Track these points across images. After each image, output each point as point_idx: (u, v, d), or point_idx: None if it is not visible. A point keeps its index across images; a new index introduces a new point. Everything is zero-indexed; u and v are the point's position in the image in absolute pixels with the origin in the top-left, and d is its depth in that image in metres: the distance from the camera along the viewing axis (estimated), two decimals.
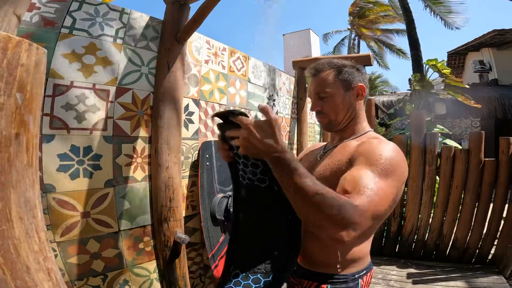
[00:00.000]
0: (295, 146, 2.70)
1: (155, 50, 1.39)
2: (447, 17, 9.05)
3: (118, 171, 1.24)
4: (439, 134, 2.77)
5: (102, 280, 1.20)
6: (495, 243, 2.41)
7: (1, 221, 0.38)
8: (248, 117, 0.62)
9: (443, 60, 3.91)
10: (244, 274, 0.75)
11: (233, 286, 0.74)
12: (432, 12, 9.16)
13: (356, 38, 16.50)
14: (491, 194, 2.37)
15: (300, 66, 2.77)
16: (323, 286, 0.82)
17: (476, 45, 8.36)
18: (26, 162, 0.42)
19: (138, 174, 1.31)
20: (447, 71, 3.87)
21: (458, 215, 2.47)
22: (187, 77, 1.54)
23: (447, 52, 9.51)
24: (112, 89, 1.24)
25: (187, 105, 1.56)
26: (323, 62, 0.90)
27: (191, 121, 1.58)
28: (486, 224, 2.39)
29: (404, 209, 2.67)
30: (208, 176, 1.57)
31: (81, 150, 1.14)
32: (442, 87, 6.70)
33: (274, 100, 2.33)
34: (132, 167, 1.29)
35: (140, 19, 1.35)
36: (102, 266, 1.19)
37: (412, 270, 2.39)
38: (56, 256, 1.08)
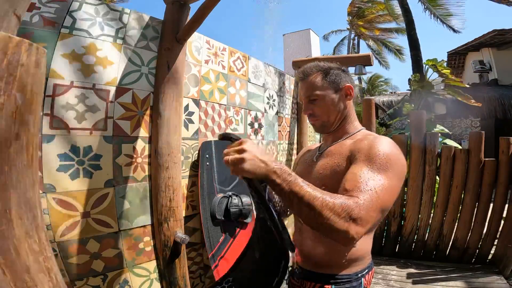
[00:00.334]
0: (295, 146, 2.70)
1: (155, 50, 1.39)
2: (446, 20, 9.04)
3: (118, 171, 1.24)
4: (439, 134, 2.77)
5: (102, 280, 1.20)
6: (495, 243, 2.41)
7: (1, 221, 0.38)
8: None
9: (442, 60, 3.91)
10: None
11: None
12: (432, 15, 9.16)
13: (356, 38, 16.51)
14: (491, 194, 2.37)
15: (300, 66, 2.77)
16: (326, 286, 0.82)
17: (476, 45, 8.36)
18: (26, 162, 0.42)
19: (138, 174, 1.31)
20: (447, 71, 3.87)
21: (458, 215, 2.47)
22: (187, 77, 1.54)
23: (447, 52, 9.50)
24: (112, 89, 1.24)
25: (187, 105, 1.56)
26: (310, 66, 0.92)
27: (191, 121, 1.58)
28: (486, 224, 2.39)
29: (404, 209, 2.67)
30: (208, 176, 1.57)
31: (81, 150, 1.14)
32: (442, 87, 6.69)
33: (274, 100, 2.33)
34: (132, 167, 1.29)
35: (140, 19, 1.35)
36: (102, 266, 1.19)
37: (412, 270, 2.39)
38: (56, 256, 1.08)
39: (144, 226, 1.33)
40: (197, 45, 1.62)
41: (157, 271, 1.37)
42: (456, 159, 2.43)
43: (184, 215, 1.49)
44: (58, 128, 1.09)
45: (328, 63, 0.93)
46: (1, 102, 0.38)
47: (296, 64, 2.78)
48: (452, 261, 2.50)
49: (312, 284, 0.84)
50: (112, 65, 1.24)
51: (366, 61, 2.75)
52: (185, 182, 1.53)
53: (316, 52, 15.49)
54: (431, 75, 4.23)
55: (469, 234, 2.45)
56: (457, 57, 9.89)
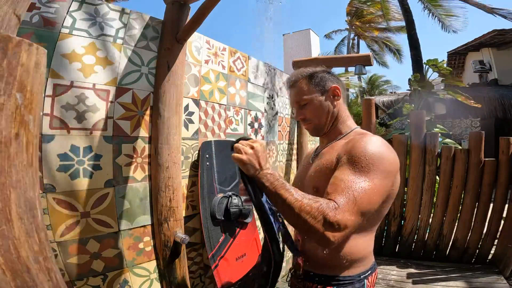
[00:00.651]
0: (295, 146, 2.70)
1: (155, 50, 1.39)
2: (445, 19, 9.05)
3: (118, 171, 1.24)
4: (439, 134, 2.77)
5: (102, 280, 1.20)
6: (495, 243, 2.41)
7: (1, 221, 0.38)
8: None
9: (443, 60, 3.91)
10: None
11: None
12: (431, 14, 9.16)
13: (356, 37, 16.50)
14: (491, 194, 2.37)
15: (300, 66, 2.77)
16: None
17: (476, 45, 8.36)
18: (26, 162, 0.42)
19: (138, 174, 1.31)
20: (447, 71, 3.87)
21: (458, 215, 2.47)
22: (187, 77, 1.54)
23: (447, 52, 9.50)
24: (112, 89, 1.24)
25: (187, 105, 1.56)
26: (296, 73, 0.95)
27: (191, 121, 1.58)
28: (486, 224, 2.39)
29: (404, 209, 2.67)
30: (208, 176, 1.57)
31: (81, 150, 1.14)
32: (442, 87, 6.70)
33: (274, 100, 2.33)
34: (132, 167, 1.29)
35: (140, 19, 1.35)
36: (102, 266, 1.19)
37: (412, 270, 2.39)
38: (56, 256, 1.08)
39: (144, 226, 1.33)
40: (197, 45, 1.63)
41: (157, 271, 1.37)
42: (456, 159, 2.43)
43: (184, 215, 1.49)
44: (58, 128, 1.09)
45: (313, 68, 0.94)
46: (1, 102, 0.38)
47: (296, 64, 2.78)
48: (452, 261, 2.51)
49: (314, 285, 0.83)
50: (112, 65, 1.24)
51: (366, 61, 2.75)
52: (185, 182, 1.53)
53: (316, 52, 15.50)
54: (431, 75, 4.24)
55: (469, 234, 2.45)
56: (457, 57, 9.89)
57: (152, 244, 1.35)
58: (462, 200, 2.45)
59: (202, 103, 1.65)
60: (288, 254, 1.94)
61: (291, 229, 0.85)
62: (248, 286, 0.94)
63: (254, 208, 0.77)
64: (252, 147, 0.73)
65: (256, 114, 2.10)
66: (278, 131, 2.40)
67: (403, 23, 9.29)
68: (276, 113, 2.36)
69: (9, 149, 0.39)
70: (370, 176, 0.68)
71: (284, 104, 2.49)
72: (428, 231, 2.61)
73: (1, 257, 0.37)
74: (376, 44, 16.23)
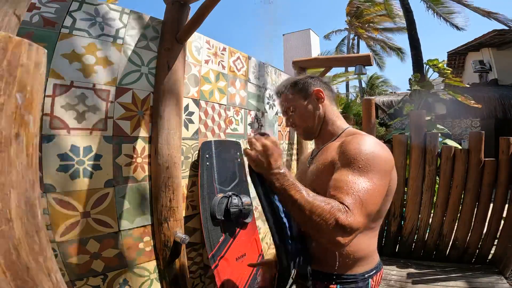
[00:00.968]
0: (295, 146, 2.70)
1: (155, 50, 1.39)
2: (449, 18, 9.07)
3: (118, 171, 1.24)
4: (439, 134, 2.77)
5: (102, 280, 1.20)
6: (495, 243, 2.41)
7: (1, 221, 0.38)
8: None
9: (443, 60, 3.91)
10: None
11: None
12: (435, 14, 9.17)
13: (356, 38, 16.51)
14: (491, 194, 2.37)
15: (300, 66, 2.77)
16: (332, 286, 0.82)
17: (476, 45, 8.36)
18: (26, 162, 0.42)
19: (138, 174, 1.31)
20: (447, 71, 3.87)
21: (458, 215, 2.47)
22: (187, 77, 1.54)
23: (447, 52, 9.50)
24: (112, 89, 1.24)
25: (187, 105, 1.56)
26: (281, 84, 0.99)
27: (191, 121, 1.58)
28: (486, 224, 2.39)
29: (404, 209, 2.67)
30: (208, 176, 1.57)
31: (81, 150, 1.14)
32: (442, 87, 6.70)
33: (274, 100, 2.33)
34: (132, 167, 1.29)
35: (140, 19, 1.35)
36: (102, 266, 1.19)
37: (412, 270, 2.39)
38: (56, 256, 1.08)
39: (144, 226, 1.33)
40: (197, 45, 1.62)
41: (157, 271, 1.37)
42: (456, 159, 2.43)
43: (184, 215, 1.49)
44: (58, 128, 1.09)
45: (296, 77, 0.99)
46: (1, 102, 0.38)
47: (296, 64, 2.78)
48: (452, 261, 2.50)
49: (318, 283, 0.84)
50: (112, 65, 1.24)
51: (366, 61, 2.75)
52: (185, 182, 1.53)
53: (316, 52, 15.50)
54: (431, 75, 4.23)
55: (469, 234, 2.45)
56: (457, 57, 9.88)
57: (152, 244, 1.35)
58: (462, 200, 2.45)
59: (202, 103, 1.65)
60: None
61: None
62: None
63: (262, 208, 0.74)
64: (263, 144, 0.69)
65: (256, 114, 2.10)
66: (278, 131, 2.40)
67: (403, 24, 9.30)
68: (276, 113, 2.36)
69: (9, 149, 0.39)
70: (369, 176, 0.69)
71: None
72: (428, 231, 2.61)
73: (1, 257, 0.37)
74: (376, 44, 16.23)
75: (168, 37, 1.37)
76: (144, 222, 1.33)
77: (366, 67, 3.71)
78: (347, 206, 0.62)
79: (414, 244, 2.66)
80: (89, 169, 1.16)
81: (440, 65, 3.82)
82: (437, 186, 2.57)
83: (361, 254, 0.83)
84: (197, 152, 1.61)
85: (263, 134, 0.73)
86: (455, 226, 2.49)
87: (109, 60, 1.23)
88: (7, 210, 0.39)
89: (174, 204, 1.35)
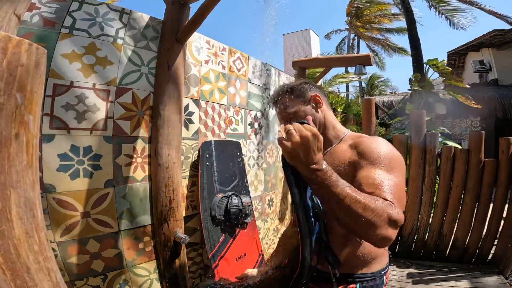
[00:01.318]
0: None
1: (155, 50, 1.39)
2: (453, 17, 9.05)
3: (118, 171, 1.24)
4: (439, 134, 2.77)
5: (102, 280, 1.20)
6: (495, 243, 2.41)
7: (1, 221, 0.38)
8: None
9: (443, 60, 3.91)
10: None
11: None
12: (437, 12, 9.15)
13: (356, 38, 16.51)
14: (491, 194, 2.36)
15: (300, 66, 2.77)
16: (352, 286, 0.83)
17: (476, 45, 8.36)
18: (26, 162, 0.42)
19: (138, 174, 1.31)
20: (447, 70, 3.87)
21: (458, 215, 2.47)
22: (187, 77, 1.54)
23: (447, 52, 9.50)
24: (112, 89, 1.24)
25: (187, 105, 1.56)
26: (276, 91, 0.98)
27: (191, 121, 1.58)
28: (486, 224, 2.39)
29: (404, 209, 2.67)
30: (208, 176, 1.57)
31: (81, 150, 1.14)
32: (442, 87, 6.70)
33: None
34: (132, 167, 1.29)
35: (140, 19, 1.35)
36: (102, 266, 1.19)
37: (412, 270, 2.39)
38: (56, 256, 1.08)
39: (144, 226, 1.33)
40: (197, 45, 1.62)
41: (157, 271, 1.37)
42: (456, 159, 2.43)
43: (184, 215, 1.49)
44: (58, 128, 1.09)
45: (291, 83, 0.98)
46: (1, 102, 0.38)
47: (296, 64, 2.78)
48: (452, 261, 2.50)
49: (338, 283, 0.84)
50: (112, 65, 1.24)
51: (366, 61, 2.75)
52: (185, 182, 1.53)
53: (316, 52, 15.51)
54: (432, 75, 4.24)
55: (469, 234, 2.44)
56: (457, 57, 9.88)
57: (152, 244, 1.35)
58: (462, 200, 2.45)
59: (202, 103, 1.65)
60: None
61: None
62: (265, 286, 0.90)
63: (294, 205, 0.68)
64: (301, 135, 0.61)
65: (256, 114, 2.10)
66: (278, 131, 2.40)
67: (404, 24, 9.30)
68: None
69: (9, 149, 0.39)
70: (395, 174, 0.72)
71: None
72: (428, 231, 2.61)
73: (1, 257, 0.37)
74: (376, 44, 16.23)
75: (168, 37, 1.37)
76: (144, 222, 1.33)
77: (366, 67, 3.71)
78: (391, 201, 0.63)
79: (414, 244, 2.66)
80: (89, 169, 1.16)
81: (439, 64, 3.82)
82: (437, 186, 2.57)
83: (379, 252, 0.86)
84: (197, 152, 1.61)
85: (302, 123, 0.64)
86: (455, 226, 2.49)
87: (109, 60, 1.23)
88: (7, 210, 0.39)
89: (174, 204, 1.35)
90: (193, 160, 1.58)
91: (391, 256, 0.94)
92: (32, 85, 0.43)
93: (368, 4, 14.23)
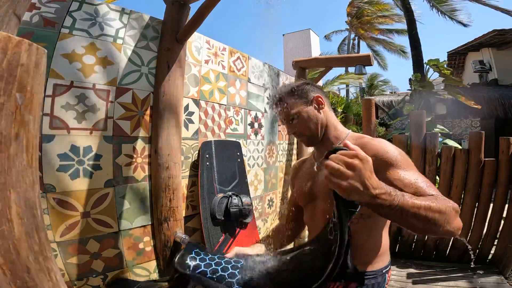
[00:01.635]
0: (295, 146, 2.70)
1: (155, 50, 1.39)
2: (454, 15, 9.08)
3: (118, 171, 1.24)
4: (439, 134, 2.77)
5: (102, 280, 1.20)
6: (495, 243, 2.41)
7: (1, 221, 0.38)
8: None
9: (444, 61, 3.91)
10: None
11: None
12: (439, 12, 9.17)
13: (356, 38, 16.51)
14: (491, 194, 2.36)
15: (300, 66, 2.77)
16: (352, 284, 0.83)
17: (476, 45, 8.36)
18: (26, 162, 0.42)
19: (138, 174, 1.31)
20: (447, 71, 3.88)
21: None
22: (187, 77, 1.54)
23: (447, 52, 9.50)
24: (112, 89, 1.24)
25: (187, 105, 1.56)
26: (278, 91, 0.98)
27: (191, 121, 1.58)
28: (486, 224, 2.39)
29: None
30: (208, 176, 1.57)
31: (81, 150, 1.14)
32: (442, 87, 6.71)
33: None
34: (132, 167, 1.29)
35: (140, 19, 1.35)
36: (102, 266, 1.19)
37: (412, 270, 2.39)
38: (56, 256, 1.08)
39: (144, 226, 1.33)
40: (197, 45, 1.62)
41: (157, 271, 1.37)
42: (456, 159, 2.43)
43: (184, 215, 1.49)
44: (58, 128, 1.09)
45: (293, 83, 0.99)
46: (1, 102, 0.38)
47: (296, 64, 2.78)
48: (452, 261, 2.50)
49: (337, 284, 0.84)
50: (112, 65, 1.24)
51: (366, 61, 2.74)
52: (185, 182, 1.53)
53: (316, 52, 15.50)
54: (432, 75, 4.24)
55: (469, 234, 2.44)
56: (457, 57, 9.89)
57: (152, 244, 1.35)
58: (462, 200, 2.45)
59: (202, 103, 1.65)
60: None
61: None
62: (300, 261, 0.84)
63: (337, 229, 0.64)
64: (353, 166, 0.54)
65: (256, 114, 2.10)
66: (278, 131, 2.40)
67: (404, 25, 9.31)
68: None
69: (9, 149, 0.39)
70: (414, 169, 0.77)
71: None
72: None
73: (1, 257, 0.37)
74: (377, 44, 16.23)
75: (168, 37, 1.37)
76: (144, 222, 1.33)
77: (366, 67, 3.71)
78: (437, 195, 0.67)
79: (414, 244, 2.66)
80: (89, 169, 1.16)
81: (440, 65, 3.82)
82: (437, 186, 2.57)
83: (383, 250, 0.87)
84: (197, 152, 1.61)
85: (336, 150, 0.57)
86: None
87: (109, 60, 1.23)
88: (7, 210, 0.39)
89: (174, 204, 1.35)
90: (193, 160, 1.58)
91: None
92: (32, 85, 0.43)
93: (369, 4, 14.23)
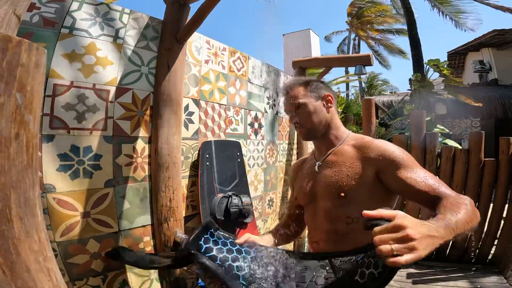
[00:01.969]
0: (295, 146, 2.70)
1: (155, 50, 1.39)
2: (457, 17, 8.94)
3: (118, 171, 1.24)
4: (439, 134, 2.77)
5: (102, 280, 1.20)
6: (495, 243, 2.41)
7: (1, 221, 0.38)
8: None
9: (445, 61, 3.91)
10: None
11: None
12: (441, 13, 9.06)
13: (356, 38, 16.51)
14: (491, 194, 2.36)
15: (300, 66, 2.77)
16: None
17: (476, 45, 8.36)
18: (26, 162, 0.42)
19: (138, 174, 1.31)
20: (447, 71, 3.88)
21: None
22: (187, 77, 1.54)
23: (447, 52, 9.50)
24: (112, 89, 1.24)
25: (187, 105, 1.56)
26: (292, 80, 1.01)
27: (191, 121, 1.58)
28: (486, 224, 2.39)
29: (404, 209, 2.67)
30: (208, 176, 1.57)
31: (81, 150, 1.14)
32: (442, 87, 6.70)
33: (274, 100, 2.33)
34: (132, 167, 1.29)
35: (140, 19, 1.35)
36: (102, 266, 1.19)
37: (412, 270, 2.39)
38: (56, 256, 1.08)
39: (144, 226, 1.33)
40: (197, 45, 1.63)
41: (157, 271, 1.37)
42: (456, 159, 2.43)
43: (184, 215, 1.49)
44: (58, 128, 1.09)
45: (308, 77, 1.03)
46: (1, 102, 0.38)
47: (296, 64, 2.78)
48: (452, 261, 2.50)
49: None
50: (112, 65, 1.24)
51: (366, 61, 2.74)
52: (185, 182, 1.53)
53: (316, 52, 15.49)
54: (432, 75, 4.24)
55: (469, 234, 2.44)
56: (457, 57, 9.89)
57: (152, 244, 1.35)
58: None
59: (202, 103, 1.65)
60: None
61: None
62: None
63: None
64: (410, 237, 0.48)
65: (256, 114, 2.10)
66: (278, 131, 2.40)
67: (405, 26, 9.27)
68: (276, 113, 2.37)
69: (9, 149, 0.39)
70: (419, 167, 0.82)
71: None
72: None
73: (1, 257, 0.37)
74: (377, 44, 16.23)
75: (168, 37, 1.37)
76: (144, 222, 1.33)
77: (366, 67, 3.71)
78: (454, 194, 0.73)
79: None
80: (89, 169, 1.16)
81: (441, 65, 3.82)
82: None
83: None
84: (197, 152, 1.61)
85: (373, 226, 0.51)
86: None
87: (109, 60, 1.23)
88: (7, 210, 0.39)
89: (174, 204, 1.35)
90: (193, 160, 1.58)
91: None
92: (32, 85, 0.43)
93: (370, 5, 14.22)
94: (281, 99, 2.46)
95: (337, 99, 1.03)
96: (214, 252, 0.88)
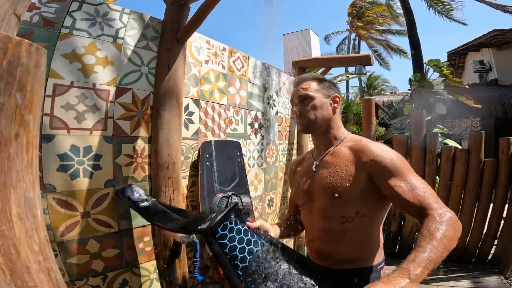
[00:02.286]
0: (295, 146, 2.70)
1: (155, 50, 1.39)
2: (450, 15, 9.10)
3: (118, 171, 1.24)
4: (439, 134, 2.77)
5: (102, 280, 1.20)
6: (495, 243, 2.41)
7: (1, 221, 0.38)
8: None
9: (445, 61, 3.92)
10: None
11: None
12: (436, 12, 9.16)
13: (357, 38, 16.51)
14: (491, 194, 2.37)
15: (300, 66, 2.77)
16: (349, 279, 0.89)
17: (476, 45, 8.36)
18: (26, 162, 0.42)
19: (138, 174, 1.31)
20: (447, 71, 3.88)
21: (458, 215, 2.47)
22: (187, 77, 1.54)
23: (447, 52, 9.51)
24: (112, 89, 1.24)
25: (187, 105, 1.56)
26: (307, 74, 1.05)
27: (191, 121, 1.58)
28: (486, 224, 2.39)
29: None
30: (208, 176, 1.57)
31: (81, 150, 1.14)
32: (442, 87, 6.71)
33: (274, 100, 2.33)
34: (132, 167, 1.29)
35: (140, 19, 1.35)
36: (102, 266, 1.19)
37: None
38: (56, 256, 1.08)
39: (144, 226, 1.33)
40: (197, 45, 1.62)
41: (157, 271, 1.37)
42: (456, 159, 2.43)
43: None
44: (58, 128, 1.09)
45: (323, 76, 1.06)
46: (1, 102, 0.38)
47: (296, 64, 2.78)
48: (452, 261, 2.50)
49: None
50: (112, 65, 1.24)
51: (366, 61, 2.75)
52: (185, 182, 1.53)
53: (316, 52, 15.50)
54: (432, 75, 4.24)
55: (469, 234, 2.45)
56: (457, 57, 9.89)
57: (152, 244, 1.35)
58: (462, 200, 2.45)
59: (202, 103, 1.65)
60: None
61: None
62: None
63: None
64: None
65: (256, 114, 2.10)
66: (278, 131, 2.40)
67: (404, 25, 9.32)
68: (276, 113, 2.36)
69: (9, 149, 0.39)
70: (413, 173, 0.82)
71: (284, 104, 2.49)
72: None
73: (1, 257, 0.37)
74: (378, 44, 16.23)
75: (168, 37, 1.37)
76: (144, 222, 1.33)
77: (366, 67, 3.71)
78: (439, 211, 0.72)
79: (414, 244, 2.66)
80: (89, 169, 1.16)
81: (441, 65, 3.82)
82: (437, 186, 2.57)
83: (377, 247, 0.91)
84: (197, 152, 1.61)
85: None
86: None
87: (109, 60, 1.23)
88: (7, 210, 0.39)
89: (174, 204, 1.35)
90: (193, 160, 1.58)
91: None
92: (32, 85, 0.43)
93: (370, 5, 14.23)
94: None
95: (342, 101, 1.08)
96: (226, 240, 0.91)
